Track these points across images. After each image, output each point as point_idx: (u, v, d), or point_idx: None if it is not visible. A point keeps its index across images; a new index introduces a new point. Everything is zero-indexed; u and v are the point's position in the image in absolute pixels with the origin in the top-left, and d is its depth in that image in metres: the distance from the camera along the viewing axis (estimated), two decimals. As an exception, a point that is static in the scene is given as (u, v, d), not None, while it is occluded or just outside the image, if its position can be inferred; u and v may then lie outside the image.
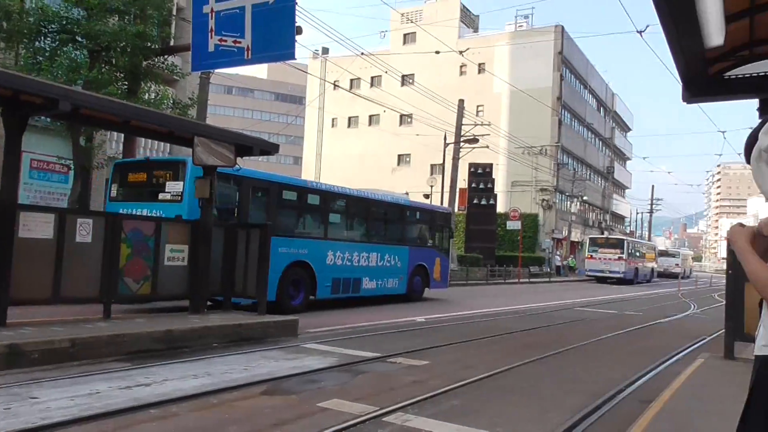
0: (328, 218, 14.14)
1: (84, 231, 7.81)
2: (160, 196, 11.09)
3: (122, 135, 16.15)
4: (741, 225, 1.99)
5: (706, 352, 8.49)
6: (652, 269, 44.79)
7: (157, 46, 14.00)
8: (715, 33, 5.09)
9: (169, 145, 22.81)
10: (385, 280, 15.52)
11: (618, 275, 36.73)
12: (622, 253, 37.12)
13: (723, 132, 24.20)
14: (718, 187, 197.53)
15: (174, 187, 10.93)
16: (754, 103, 7.90)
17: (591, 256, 38.39)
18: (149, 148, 23.14)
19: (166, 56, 14.70)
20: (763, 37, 6.47)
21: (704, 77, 6.82)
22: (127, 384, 5.59)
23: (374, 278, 15.10)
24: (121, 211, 10.79)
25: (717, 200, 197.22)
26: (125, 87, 13.66)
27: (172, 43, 15.57)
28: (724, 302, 8.59)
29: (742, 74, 7.01)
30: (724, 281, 8.76)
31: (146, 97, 14.26)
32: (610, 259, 37.07)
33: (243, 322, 8.72)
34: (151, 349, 7.17)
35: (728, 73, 7.05)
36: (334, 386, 6.06)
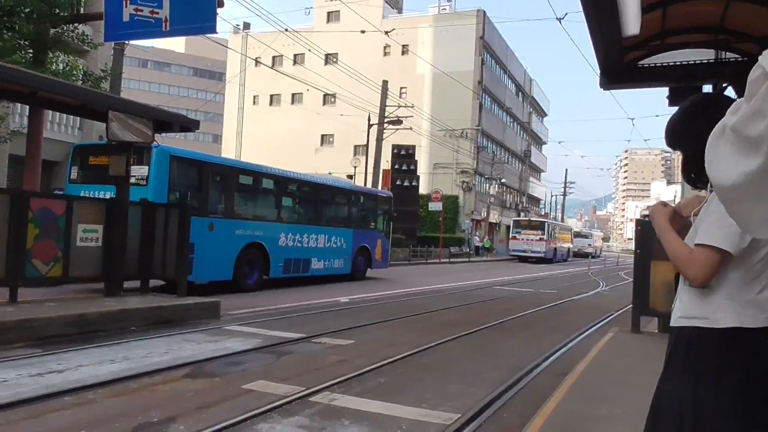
0: (281, 202, 14.85)
1: (-14, 209, 7.29)
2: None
3: (27, 107, 15.13)
4: (663, 204, 2.10)
5: (615, 326, 8.98)
6: (569, 249, 48.31)
7: (66, 14, 13.13)
8: (632, 22, 5.31)
9: (79, 119, 21.63)
10: (332, 260, 16.40)
11: (539, 255, 39.31)
12: (543, 234, 39.76)
13: (632, 119, 25.43)
14: (626, 171, 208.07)
15: (139, 171, 11.08)
16: (663, 91, 8.35)
17: (515, 237, 40.75)
18: (58, 122, 21.85)
19: (76, 24, 13.82)
20: (673, 28, 6.83)
21: (620, 65, 7.13)
22: (38, 371, 5.30)
23: (322, 259, 15.95)
24: (82, 194, 11.14)
25: (624, 184, 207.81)
26: (31, 56, 12.77)
27: (82, 11, 14.66)
28: (629, 280, 9.10)
29: (654, 63, 7.38)
30: (631, 261, 9.25)
31: (54, 67, 13.40)
32: (532, 240, 39.58)
33: (162, 304, 8.45)
34: (64, 334, 6.82)
35: (642, 62, 7.40)
36: (259, 368, 6.00)
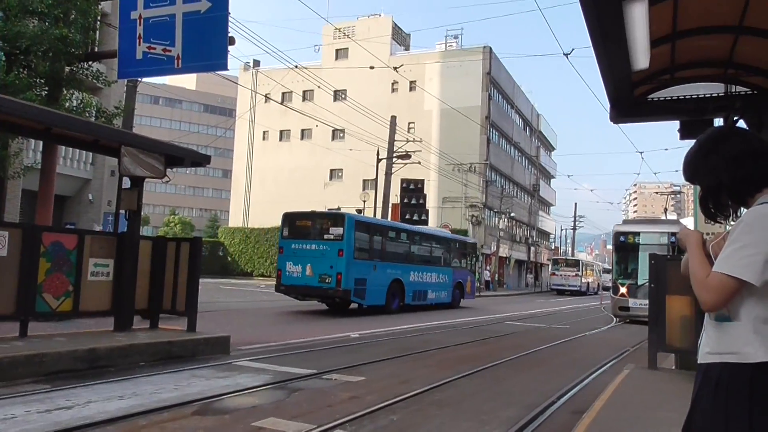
0: (411, 248, 20.12)
1: (-1, 244, 7.31)
2: (325, 236, 16.75)
3: (41, 143, 15.35)
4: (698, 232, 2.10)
5: (631, 362, 8.81)
6: (598, 283, 54.01)
7: (80, 52, 13.40)
8: (641, 56, 5.34)
9: (91, 155, 21.90)
10: (440, 292, 21.36)
11: (575, 288, 45.55)
12: (578, 270, 46.46)
13: (641, 153, 25.45)
14: (635, 205, 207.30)
15: (336, 230, 16.63)
16: (672, 124, 8.35)
17: (554, 273, 48.28)
18: (70, 158, 22.13)
19: (90, 62, 14.10)
20: (683, 62, 6.86)
21: (630, 99, 7.15)
22: (47, 407, 5.24)
23: (434, 291, 20.94)
24: (292, 246, 17.15)
25: (634, 218, 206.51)
26: (45, 93, 13.00)
27: (96, 49, 14.97)
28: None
29: (664, 97, 7.39)
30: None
31: (68, 104, 13.62)
32: (569, 275, 46.35)
33: (172, 339, 8.38)
34: (73, 369, 6.76)
35: (651, 96, 7.42)
36: (269, 405, 5.90)
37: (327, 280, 16.18)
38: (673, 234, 17.72)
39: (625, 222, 21.47)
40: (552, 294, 45.63)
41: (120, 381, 6.53)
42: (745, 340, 1.81)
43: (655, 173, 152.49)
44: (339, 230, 16.53)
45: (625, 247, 18.96)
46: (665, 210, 43.12)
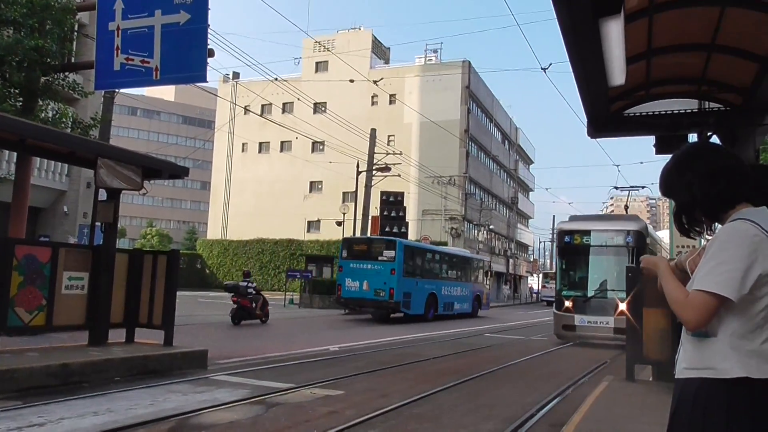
0: (442, 267, 24.03)
1: (-30, 257, 7.15)
2: (379, 257, 20.48)
3: (15, 154, 15.09)
4: (662, 258, 2.13)
5: (609, 374, 8.87)
6: None
7: (57, 62, 13.23)
8: (617, 73, 5.42)
9: (67, 166, 21.59)
10: (462, 304, 24.95)
11: None
12: None
13: (617, 166, 25.86)
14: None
15: (389, 253, 20.36)
16: (649, 139, 8.46)
17: (545, 286, 50.29)
18: (45, 169, 21.78)
19: (66, 73, 13.92)
20: (658, 78, 6.99)
21: (607, 114, 7.27)
22: (18, 425, 5.11)
23: (458, 303, 24.52)
24: (351, 266, 21.18)
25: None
26: (20, 103, 12.79)
27: (73, 60, 14.81)
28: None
29: (640, 113, 7.52)
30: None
31: (44, 115, 13.42)
32: None
33: (148, 354, 8.25)
34: (46, 385, 6.62)
35: (627, 111, 7.54)
36: (247, 420, 5.83)
37: (381, 294, 20.11)
38: (630, 233, 14.67)
39: (573, 218, 17.30)
40: (542, 305, 47.27)
41: (94, 397, 6.41)
42: (723, 356, 1.83)
43: (631, 187, 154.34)
44: (391, 253, 20.33)
45: (571, 250, 15.35)
46: (626, 207, 40.71)
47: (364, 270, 20.69)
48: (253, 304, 16.76)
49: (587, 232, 15.03)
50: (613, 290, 14.10)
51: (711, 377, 1.84)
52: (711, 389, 1.83)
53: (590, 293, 14.65)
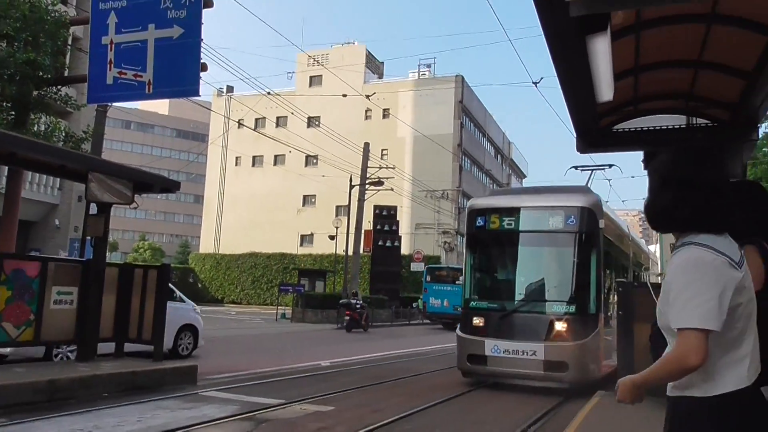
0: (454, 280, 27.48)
1: (-43, 271, 7.10)
2: (456, 281, 25.91)
3: (5, 168, 15.04)
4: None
5: (601, 389, 8.85)
6: None
7: (49, 76, 13.24)
8: (605, 89, 5.45)
9: (58, 180, 21.53)
10: None
11: None
12: None
13: (609, 180, 25.87)
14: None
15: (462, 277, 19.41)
16: (637, 155, 8.50)
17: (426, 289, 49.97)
18: (37, 183, 21.70)
19: (59, 87, 13.93)
20: (646, 94, 7.05)
21: (596, 130, 7.32)
22: (2, 442, 5.06)
23: None
24: (434, 288, 28.79)
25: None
26: (12, 117, 12.78)
27: (66, 74, 14.82)
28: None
29: (629, 128, 7.57)
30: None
31: (36, 128, 13.40)
32: None
33: (137, 369, 8.19)
34: (32, 402, 6.54)
35: (616, 127, 7.59)
36: (236, 436, 5.78)
37: (458, 309, 22.22)
38: (575, 212, 9.50)
39: (494, 193, 13.81)
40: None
41: (81, 413, 6.35)
42: (708, 372, 1.83)
43: (623, 201, 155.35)
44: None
45: (486, 239, 10.37)
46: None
47: (445, 291, 28.26)
48: (361, 317, 22.84)
49: (510, 211, 9.93)
50: (547, 301, 9.42)
51: (697, 395, 1.84)
52: (697, 406, 1.84)
53: (511, 305, 9.57)
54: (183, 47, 11.56)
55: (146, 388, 7.94)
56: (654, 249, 29.34)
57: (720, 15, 5.23)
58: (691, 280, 1.81)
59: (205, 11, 11.56)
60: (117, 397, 7.31)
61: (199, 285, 45.16)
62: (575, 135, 7.58)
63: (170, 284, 12.02)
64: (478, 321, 9.61)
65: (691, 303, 1.78)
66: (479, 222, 10.09)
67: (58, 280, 8.35)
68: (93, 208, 9.36)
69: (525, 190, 13.41)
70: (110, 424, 5.90)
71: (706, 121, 7.64)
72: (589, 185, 11.37)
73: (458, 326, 10.13)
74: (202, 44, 11.66)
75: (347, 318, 22.60)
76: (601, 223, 9.49)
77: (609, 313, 10.00)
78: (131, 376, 7.96)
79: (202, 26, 11.55)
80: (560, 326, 8.95)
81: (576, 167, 12.18)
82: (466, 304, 10.06)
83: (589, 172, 12.07)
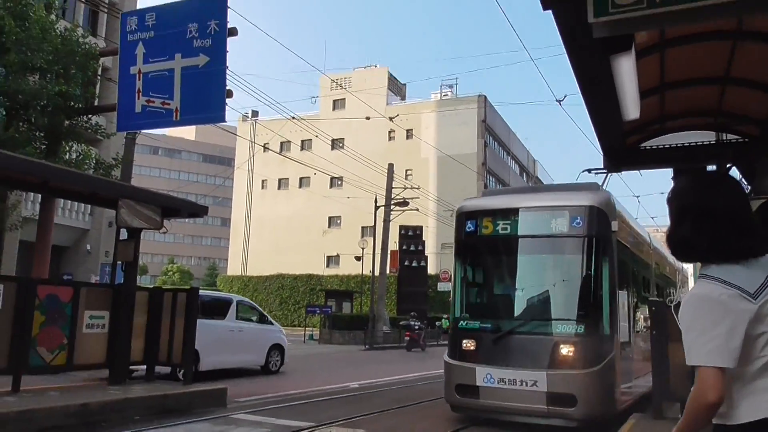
0: None
1: (-6, 297, 7.27)
2: None
3: (39, 195, 15.42)
4: None
5: (636, 412, 8.65)
6: None
7: (80, 106, 13.62)
8: (631, 108, 5.44)
9: (90, 206, 21.97)
10: None
11: None
12: None
13: (638, 197, 25.52)
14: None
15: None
16: (667, 171, 8.41)
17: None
18: (69, 209, 22.19)
19: (90, 116, 14.31)
20: (673, 112, 6.99)
21: (622, 148, 7.26)
22: (37, 467, 5.12)
23: None
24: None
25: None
26: (45, 146, 13.14)
27: (96, 103, 15.22)
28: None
29: (656, 146, 7.50)
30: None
31: (67, 156, 13.75)
32: None
33: (168, 392, 8.26)
34: (65, 425, 6.63)
35: (643, 145, 7.53)
36: (265, 461, 5.77)
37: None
38: (581, 212, 7.97)
39: (486, 194, 12.52)
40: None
41: (113, 438, 6.40)
42: (733, 401, 1.81)
43: (652, 217, 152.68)
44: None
45: (477, 246, 8.99)
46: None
47: None
48: (419, 338, 24.69)
49: (504, 213, 8.51)
50: (550, 320, 7.95)
51: (725, 423, 1.81)
52: None
53: (508, 325, 8.06)
54: (209, 75, 11.82)
55: (176, 410, 7.99)
56: (687, 267, 28.46)
57: (746, 31, 5.19)
58: (697, 317, 1.79)
59: (229, 39, 11.82)
60: (148, 420, 7.37)
61: (227, 307, 45.45)
62: (602, 153, 7.53)
63: (260, 308, 13.68)
64: (468, 344, 8.11)
65: (698, 341, 1.77)
66: (469, 227, 8.63)
67: (90, 304, 8.50)
68: (123, 234, 9.52)
69: (523, 189, 12.01)
70: (141, 449, 5.94)
71: (737, 138, 7.54)
72: (604, 188, 9.26)
73: (447, 349, 8.66)
74: (227, 71, 11.91)
75: (407, 339, 24.74)
76: (614, 225, 7.87)
77: (628, 333, 8.56)
78: (162, 399, 8.03)
79: (227, 54, 11.80)
80: (566, 350, 7.40)
81: (589, 170, 10.50)
82: (454, 324, 8.56)
83: (604, 174, 10.21)
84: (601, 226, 7.80)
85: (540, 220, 8.18)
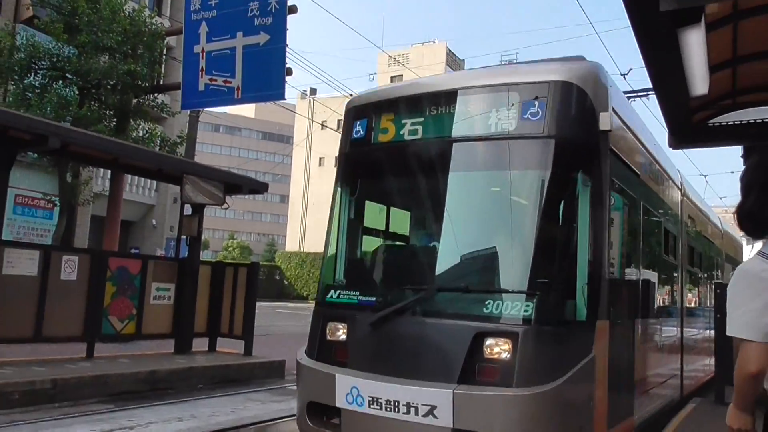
0: None
1: (69, 269, 7.70)
2: None
3: (109, 171, 16.11)
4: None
5: (697, 396, 8.45)
6: None
7: (147, 85, 14.07)
8: (699, 83, 5.21)
9: (155, 182, 22.79)
10: None
11: None
12: None
13: (705, 176, 24.63)
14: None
15: None
16: (737, 149, 8.03)
17: None
18: (136, 185, 23.05)
19: (156, 94, 14.77)
20: (745, 87, 6.66)
21: (689, 125, 6.98)
22: (111, 427, 5.44)
23: None
24: None
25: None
26: (114, 124, 13.67)
27: (162, 82, 15.68)
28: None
29: (726, 122, 7.17)
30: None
31: (135, 134, 14.27)
32: None
33: (229, 363, 8.58)
34: (135, 391, 7.01)
35: (712, 121, 7.21)
36: (323, 430, 5.94)
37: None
38: (545, 86, 4.18)
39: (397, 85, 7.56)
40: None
41: (179, 403, 6.73)
42: None
43: (721, 197, 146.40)
44: None
45: (374, 162, 5.12)
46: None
47: None
48: None
49: (415, 103, 4.79)
50: (475, 291, 4.24)
51: None
52: None
53: (402, 297, 4.34)
54: (269, 53, 12.00)
55: (237, 380, 8.31)
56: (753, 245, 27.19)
57: (829, -1, 4.89)
58: (737, 290, 1.85)
59: (289, 17, 11.94)
60: (211, 389, 7.69)
61: (285, 282, 46.48)
62: (667, 130, 7.27)
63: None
64: (334, 331, 4.57)
65: (734, 314, 1.84)
66: (358, 131, 5.09)
67: (157, 276, 8.88)
68: (187, 209, 9.86)
69: (460, 73, 8.28)
70: (206, 414, 6.23)
71: (815, 113, 7.14)
72: None
73: (308, 341, 4.79)
74: (287, 49, 12.05)
75: None
76: (605, 122, 4.31)
77: (631, 319, 4.95)
78: (224, 370, 8.35)
79: (287, 32, 11.93)
80: (497, 349, 3.85)
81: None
82: (321, 298, 4.94)
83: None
84: (579, 121, 4.32)
85: (471, 111, 4.51)
